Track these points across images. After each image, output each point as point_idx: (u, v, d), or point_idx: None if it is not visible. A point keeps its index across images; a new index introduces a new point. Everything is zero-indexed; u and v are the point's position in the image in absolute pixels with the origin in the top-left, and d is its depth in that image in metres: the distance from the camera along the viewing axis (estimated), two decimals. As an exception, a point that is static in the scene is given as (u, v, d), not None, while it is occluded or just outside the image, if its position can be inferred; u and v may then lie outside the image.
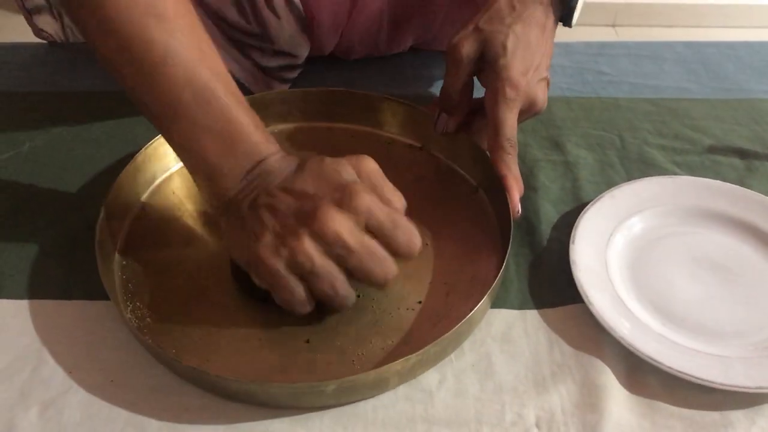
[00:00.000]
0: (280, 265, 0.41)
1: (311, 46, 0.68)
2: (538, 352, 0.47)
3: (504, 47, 0.53)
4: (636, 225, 0.55)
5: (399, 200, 0.44)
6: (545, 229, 0.55)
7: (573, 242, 0.52)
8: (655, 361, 0.44)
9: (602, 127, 0.66)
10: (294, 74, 0.69)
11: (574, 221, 0.53)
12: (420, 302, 0.49)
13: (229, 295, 0.49)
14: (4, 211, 0.56)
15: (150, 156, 0.57)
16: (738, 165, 0.62)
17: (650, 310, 0.49)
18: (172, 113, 0.45)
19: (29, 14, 0.74)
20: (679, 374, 0.44)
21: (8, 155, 0.61)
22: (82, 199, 0.57)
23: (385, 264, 0.42)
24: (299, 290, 0.42)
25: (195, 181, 0.47)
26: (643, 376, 0.45)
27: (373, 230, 0.42)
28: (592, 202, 0.55)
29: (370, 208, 0.42)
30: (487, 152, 0.55)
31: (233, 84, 0.47)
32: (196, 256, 0.52)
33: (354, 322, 0.48)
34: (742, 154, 0.63)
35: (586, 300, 0.48)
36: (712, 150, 0.64)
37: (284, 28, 0.64)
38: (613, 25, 2.62)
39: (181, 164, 0.58)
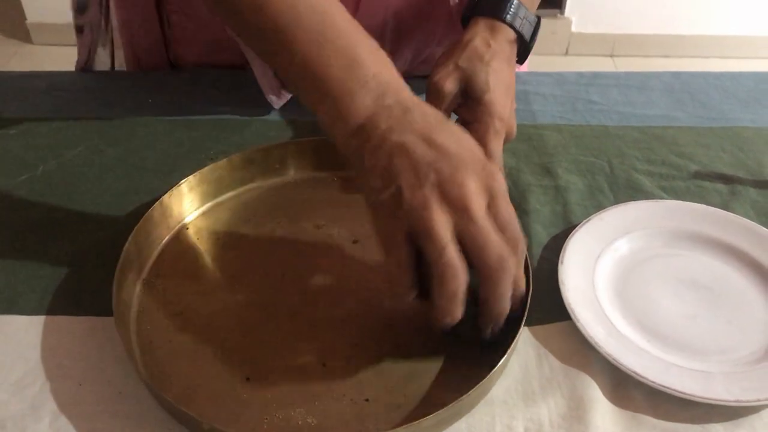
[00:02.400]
0: (439, 224, 0.41)
1: None
2: (527, 366, 0.49)
3: (487, 84, 0.57)
4: (623, 246, 0.57)
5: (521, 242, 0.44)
6: (536, 249, 0.57)
7: (562, 263, 0.54)
8: (640, 375, 0.46)
9: (592, 153, 0.69)
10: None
11: (564, 243, 0.56)
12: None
13: (243, 345, 0.50)
14: (19, 230, 0.59)
15: (182, 194, 0.59)
16: (722, 190, 0.64)
17: (635, 327, 0.51)
18: (288, 35, 0.46)
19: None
20: (662, 388, 0.45)
21: (23, 178, 0.64)
22: (92, 220, 0.60)
23: (503, 247, 0.42)
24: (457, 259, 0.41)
25: (317, 112, 0.46)
26: (628, 390, 0.47)
27: (496, 219, 0.42)
28: (580, 225, 0.58)
29: (504, 191, 0.42)
30: None
31: (349, 15, 0.48)
32: (212, 304, 0.53)
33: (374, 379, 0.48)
34: (726, 179, 0.66)
35: (573, 317, 0.50)
36: (698, 176, 0.66)
37: None
38: (611, 56, 2.67)
39: (209, 206, 0.60)
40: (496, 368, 0.45)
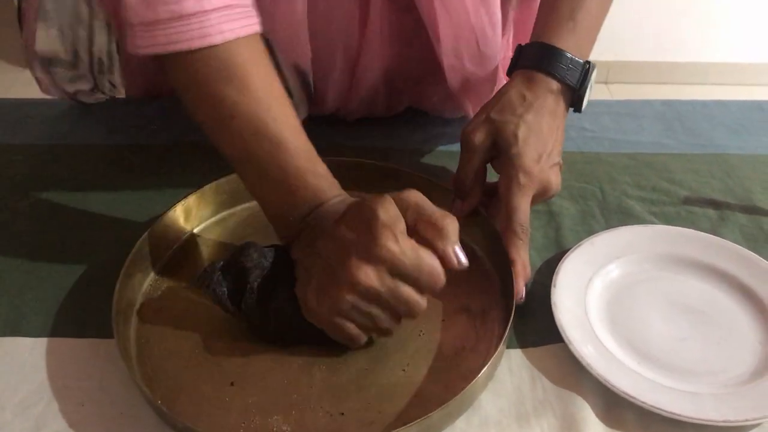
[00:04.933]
0: (323, 310, 0.47)
1: (314, 107, 0.72)
2: (521, 388, 0.50)
3: (515, 136, 0.57)
4: (614, 270, 0.58)
5: (451, 224, 0.46)
6: (529, 275, 0.58)
7: (555, 286, 0.55)
8: (631, 396, 0.47)
9: (584, 179, 0.70)
10: None
11: (556, 266, 0.57)
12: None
13: (233, 352, 0.51)
14: (23, 255, 0.60)
15: (176, 217, 0.61)
16: (711, 215, 0.66)
17: (627, 349, 0.52)
18: (243, 161, 0.52)
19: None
20: (653, 409, 0.46)
21: (27, 203, 0.65)
22: (96, 245, 0.61)
23: (410, 302, 0.46)
24: (349, 328, 0.47)
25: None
26: (620, 411, 0.48)
27: (398, 276, 0.45)
28: (572, 249, 0.59)
29: (394, 259, 0.44)
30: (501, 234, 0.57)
31: (301, 134, 0.52)
32: (210, 323, 0.54)
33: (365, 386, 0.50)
34: (715, 205, 0.67)
35: (566, 340, 0.51)
36: (687, 201, 0.68)
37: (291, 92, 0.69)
38: (606, 82, 2.70)
39: (207, 223, 0.63)
40: (464, 391, 0.46)
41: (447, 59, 0.66)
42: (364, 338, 0.49)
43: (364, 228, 0.45)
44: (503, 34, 0.74)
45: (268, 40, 0.62)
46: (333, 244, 0.46)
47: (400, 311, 0.47)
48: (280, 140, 0.50)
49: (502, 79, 0.73)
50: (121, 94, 0.80)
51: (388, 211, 0.44)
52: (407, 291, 0.46)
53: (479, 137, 0.58)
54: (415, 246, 0.45)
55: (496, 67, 0.70)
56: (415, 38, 0.67)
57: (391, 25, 0.66)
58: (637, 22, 2.54)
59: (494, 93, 0.70)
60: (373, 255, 0.44)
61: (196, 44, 0.49)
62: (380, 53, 0.68)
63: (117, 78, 0.74)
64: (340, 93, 0.72)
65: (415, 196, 0.46)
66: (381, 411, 0.47)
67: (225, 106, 0.50)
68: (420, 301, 0.46)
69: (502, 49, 0.75)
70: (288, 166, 0.50)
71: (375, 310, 0.46)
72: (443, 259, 0.45)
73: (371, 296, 0.45)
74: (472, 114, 0.73)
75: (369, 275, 0.44)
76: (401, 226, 0.45)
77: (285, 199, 0.51)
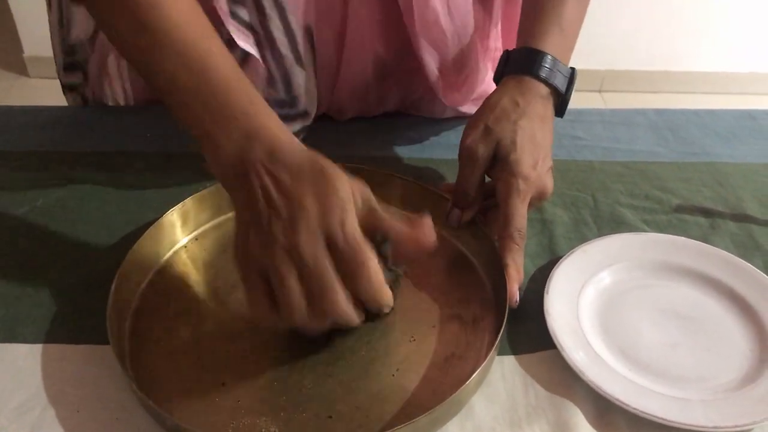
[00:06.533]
0: (252, 256, 0.45)
1: None
2: (514, 394, 0.50)
3: (513, 143, 0.57)
4: (606, 278, 0.59)
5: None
6: (523, 281, 0.59)
7: (547, 293, 0.56)
8: (622, 402, 0.48)
9: (577, 187, 0.71)
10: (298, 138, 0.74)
11: (549, 273, 0.58)
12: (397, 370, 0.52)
13: (225, 353, 0.52)
14: (20, 262, 0.60)
15: (171, 222, 0.61)
16: (703, 223, 0.67)
17: (618, 355, 0.53)
18: (170, 89, 0.49)
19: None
20: (643, 415, 0.47)
21: (24, 210, 0.66)
22: (91, 252, 0.61)
23: (328, 287, 0.44)
24: (257, 289, 0.45)
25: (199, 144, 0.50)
26: (611, 416, 0.49)
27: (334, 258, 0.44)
28: (565, 256, 0.59)
29: (333, 233, 0.44)
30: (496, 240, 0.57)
31: (230, 59, 0.50)
32: (202, 326, 0.54)
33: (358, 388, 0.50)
34: (707, 213, 0.68)
35: (558, 346, 0.51)
36: (679, 209, 0.68)
37: (303, 77, 0.68)
38: (600, 91, 2.72)
39: (205, 228, 0.63)
40: (451, 397, 0.46)
41: (419, 10, 0.65)
42: (263, 311, 0.46)
43: (321, 197, 0.44)
44: (488, 21, 0.74)
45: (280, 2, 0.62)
46: (287, 201, 0.45)
47: (314, 292, 0.44)
48: (209, 65, 0.49)
49: (480, 68, 0.74)
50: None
51: (345, 190, 0.45)
52: (332, 278, 0.44)
53: (482, 149, 0.58)
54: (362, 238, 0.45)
55: (471, 46, 0.70)
56: (399, 17, 0.67)
57: (371, 6, 0.66)
58: (631, 32, 2.56)
59: (471, 84, 0.69)
60: (322, 223, 0.44)
61: None
62: (365, 30, 0.69)
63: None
64: (329, 78, 0.72)
65: (364, 191, 0.47)
66: (369, 415, 0.48)
67: (150, 33, 0.48)
68: (340, 298, 0.45)
69: (489, 38, 0.76)
70: (221, 91, 0.48)
71: (292, 281, 0.44)
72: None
73: (297, 260, 0.44)
74: (443, 99, 0.74)
75: (307, 242, 0.43)
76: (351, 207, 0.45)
77: (216, 126, 0.48)
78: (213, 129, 0.48)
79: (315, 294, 0.44)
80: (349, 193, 0.45)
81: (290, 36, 0.65)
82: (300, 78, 0.68)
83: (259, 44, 0.65)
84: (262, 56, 0.66)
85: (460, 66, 0.73)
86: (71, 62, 0.80)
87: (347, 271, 0.45)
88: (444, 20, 0.67)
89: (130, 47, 0.51)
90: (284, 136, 0.48)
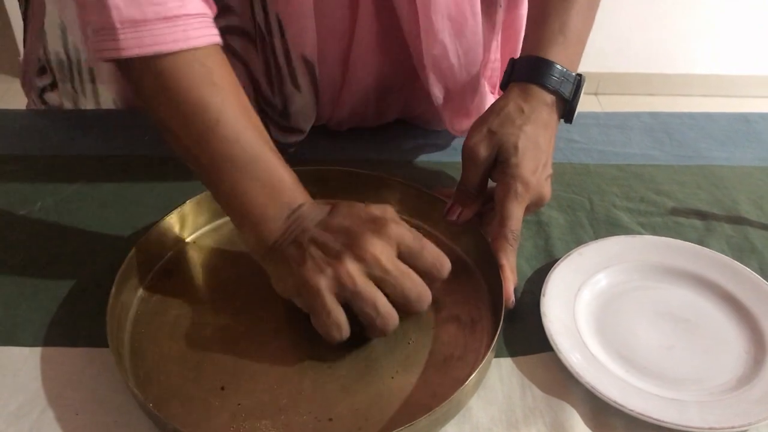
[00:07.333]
0: (322, 284, 0.48)
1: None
2: (511, 396, 0.50)
3: (516, 148, 0.58)
4: (602, 280, 0.59)
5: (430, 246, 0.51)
6: (519, 283, 0.60)
7: (544, 295, 0.56)
8: (618, 404, 0.48)
9: (573, 190, 0.71)
10: (294, 147, 0.75)
11: (546, 276, 0.58)
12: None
13: (225, 356, 0.52)
14: (18, 265, 0.60)
15: (169, 225, 0.61)
16: (698, 226, 0.67)
17: (614, 357, 0.53)
18: (224, 167, 0.51)
19: (39, 92, 0.81)
20: (640, 416, 0.47)
21: (21, 213, 0.66)
22: (89, 254, 0.62)
23: (418, 285, 0.49)
24: (337, 312, 0.48)
25: (241, 231, 0.53)
26: (608, 418, 0.49)
27: (404, 256, 0.49)
28: (561, 259, 0.60)
29: (401, 234, 0.49)
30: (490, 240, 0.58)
31: (272, 143, 0.53)
32: (201, 329, 0.55)
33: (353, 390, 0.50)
34: (702, 215, 0.68)
35: (555, 348, 0.52)
36: (674, 212, 0.69)
37: (302, 101, 0.69)
38: (596, 94, 2.73)
39: (203, 231, 0.64)
40: (451, 399, 0.46)
41: (427, 46, 0.65)
42: (345, 333, 0.49)
43: (363, 217, 0.49)
44: (491, 36, 0.74)
45: (282, 31, 0.64)
46: (330, 232, 0.49)
47: (403, 290, 0.49)
48: (261, 147, 0.51)
49: (486, 92, 0.74)
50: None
51: (377, 207, 0.51)
52: (412, 272, 0.49)
53: (483, 151, 0.59)
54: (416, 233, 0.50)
55: (478, 75, 0.71)
56: (404, 41, 0.68)
57: (381, 23, 0.67)
58: (627, 35, 2.57)
59: (478, 104, 0.71)
60: (379, 232, 0.48)
61: (181, 46, 0.49)
62: (370, 53, 0.69)
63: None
64: (331, 96, 0.73)
65: (390, 211, 0.52)
66: (369, 417, 0.48)
67: (210, 110, 0.50)
68: (425, 285, 0.49)
69: (490, 51, 0.76)
70: (271, 169, 0.51)
71: (375, 290, 0.48)
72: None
73: (378, 267, 0.48)
74: (450, 128, 0.74)
75: (378, 247, 0.48)
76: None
77: (269, 201, 0.51)
78: (264, 208, 0.51)
79: (407, 294, 0.49)
80: (381, 209, 0.52)
81: (289, 67, 0.67)
82: (298, 104, 0.70)
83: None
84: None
85: (465, 94, 0.73)
86: (43, 66, 0.80)
87: (411, 252, 0.49)
88: (453, 55, 0.67)
89: (187, 126, 0.52)
90: (318, 207, 0.52)
